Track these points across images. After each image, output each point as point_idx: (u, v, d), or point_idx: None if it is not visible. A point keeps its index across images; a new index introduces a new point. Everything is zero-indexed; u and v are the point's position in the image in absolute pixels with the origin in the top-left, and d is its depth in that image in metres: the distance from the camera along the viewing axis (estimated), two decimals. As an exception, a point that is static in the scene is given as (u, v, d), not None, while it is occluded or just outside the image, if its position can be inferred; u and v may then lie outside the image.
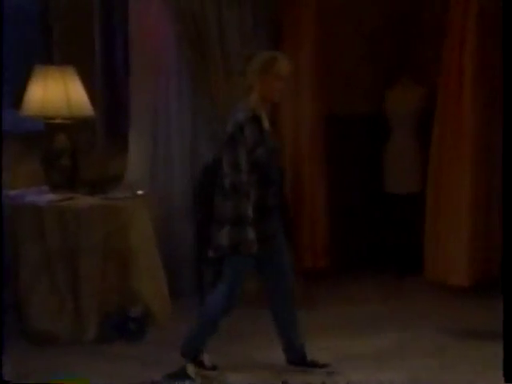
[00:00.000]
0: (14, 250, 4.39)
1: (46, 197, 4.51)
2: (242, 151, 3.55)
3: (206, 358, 3.83)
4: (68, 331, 4.35)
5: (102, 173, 4.94)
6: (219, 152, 3.71)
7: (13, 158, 4.44)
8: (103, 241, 4.44)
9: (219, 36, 5.11)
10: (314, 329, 4.27)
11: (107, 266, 4.46)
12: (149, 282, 4.60)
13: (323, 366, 3.92)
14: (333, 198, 5.61)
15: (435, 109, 5.41)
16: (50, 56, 4.96)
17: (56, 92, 4.55)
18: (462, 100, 5.25)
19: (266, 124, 3.69)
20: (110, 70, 5.32)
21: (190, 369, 3.72)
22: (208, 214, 4.96)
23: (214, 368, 3.85)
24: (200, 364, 3.79)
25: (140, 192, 4.79)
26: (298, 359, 3.93)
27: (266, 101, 3.70)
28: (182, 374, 3.72)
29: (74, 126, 4.75)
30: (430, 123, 5.48)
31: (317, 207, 5.55)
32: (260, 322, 4.23)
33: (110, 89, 5.31)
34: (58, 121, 4.67)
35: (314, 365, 3.92)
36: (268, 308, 3.91)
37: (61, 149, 4.65)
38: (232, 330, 4.16)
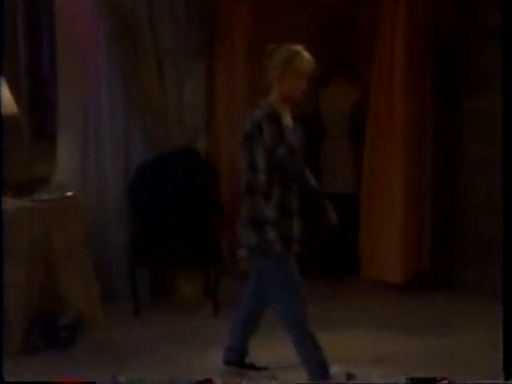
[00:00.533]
0: None
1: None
2: (259, 150, 3.44)
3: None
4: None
5: (28, 174, 4.76)
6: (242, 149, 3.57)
7: None
8: (29, 244, 4.29)
9: (150, 32, 5.00)
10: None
11: (34, 271, 4.31)
12: (79, 287, 4.46)
13: (260, 368, 3.89)
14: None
15: (368, 109, 5.43)
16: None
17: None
18: (393, 100, 5.26)
19: (288, 122, 3.48)
20: (35, 68, 5.16)
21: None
22: (143, 214, 4.96)
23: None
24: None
25: (69, 193, 4.63)
26: (237, 360, 3.90)
27: (287, 100, 3.53)
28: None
29: (-2, 125, 4.54)
30: (364, 123, 5.51)
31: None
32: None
33: (36, 88, 5.16)
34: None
35: (252, 367, 3.89)
36: (241, 305, 3.87)
37: (-16, 149, 4.45)
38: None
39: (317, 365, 3.54)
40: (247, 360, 3.92)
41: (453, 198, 5.50)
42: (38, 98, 5.14)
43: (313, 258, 5.77)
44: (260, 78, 5.26)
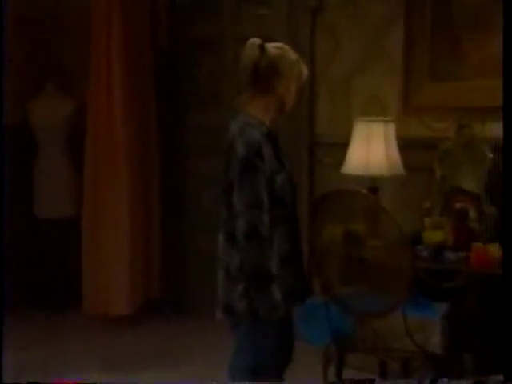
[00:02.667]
0: None
1: None
2: (261, 181, 2.65)
3: None
4: None
5: None
6: (224, 183, 2.72)
7: None
8: None
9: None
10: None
11: None
12: None
13: None
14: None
15: (87, 123, 5.02)
16: None
17: None
18: (113, 114, 4.94)
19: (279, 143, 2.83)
20: None
21: None
22: None
23: None
24: None
25: None
26: None
27: (279, 111, 2.82)
28: None
29: None
30: (83, 139, 5.08)
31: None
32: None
33: None
34: None
35: None
36: None
37: None
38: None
39: None
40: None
41: (180, 217, 5.31)
42: None
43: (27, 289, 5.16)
44: None
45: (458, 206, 3.72)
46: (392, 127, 3.96)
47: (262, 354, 2.78)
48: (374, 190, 3.87)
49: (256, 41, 2.80)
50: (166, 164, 5.20)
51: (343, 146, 3.99)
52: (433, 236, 3.67)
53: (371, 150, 3.91)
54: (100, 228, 4.99)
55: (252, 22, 4.83)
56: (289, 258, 2.75)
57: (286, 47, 2.85)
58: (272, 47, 2.81)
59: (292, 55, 2.84)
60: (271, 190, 2.69)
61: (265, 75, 2.76)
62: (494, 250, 3.42)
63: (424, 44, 4.16)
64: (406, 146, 3.99)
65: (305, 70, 2.89)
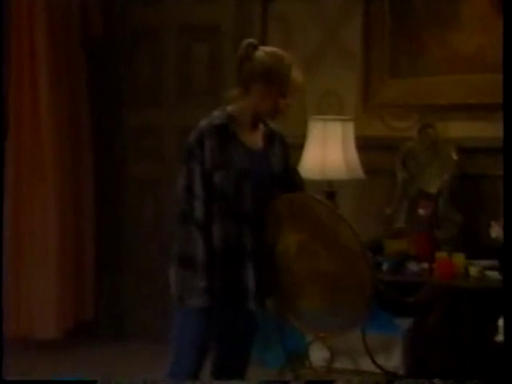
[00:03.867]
0: None
1: None
2: (197, 171, 2.93)
3: None
4: None
5: None
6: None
7: None
8: None
9: None
10: None
11: None
12: None
13: None
14: None
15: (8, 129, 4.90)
16: None
17: None
18: (38, 109, 4.85)
19: (248, 140, 2.99)
20: None
21: None
22: None
23: None
24: None
25: None
26: None
27: (256, 115, 3.00)
28: None
29: None
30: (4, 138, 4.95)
31: None
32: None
33: None
34: None
35: None
36: None
37: None
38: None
39: None
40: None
41: (117, 228, 5.25)
42: None
43: None
44: None
45: (421, 211, 3.77)
46: (350, 126, 3.99)
47: (181, 345, 2.99)
48: (330, 196, 3.89)
49: (251, 41, 2.95)
50: (101, 168, 5.14)
51: (297, 147, 3.97)
52: (394, 245, 3.71)
53: (328, 151, 3.93)
54: (23, 239, 4.91)
55: (198, 9, 4.84)
56: (229, 254, 2.96)
57: (279, 53, 2.97)
58: (261, 51, 2.95)
59: (281, 62, 2.94)
60: (209, 183, 2.91)
61: (243, 77, 2.95)
62: (460, 260, 3.48)
63: (384, 37, 4.23)
64: (365, 146, 4.02)
65: (298, 77, 2.98)
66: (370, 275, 3.01)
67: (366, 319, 3.07)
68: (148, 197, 5.14)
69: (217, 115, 2.98)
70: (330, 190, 3.96)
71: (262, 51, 2.95)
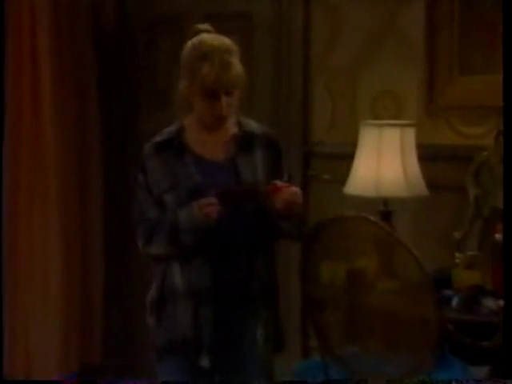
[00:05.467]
0: None
1: None
2: (145, 197, 3.05)
3: None
4: None
5: None
6: None
7: None
8: None
9: None
10: None
11: None
12: None
13: None
14: None
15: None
16: None
17: None
18: (40, 111, 4.86)
19: (206, 151, 3.03)
20: None
21: None
22: None
23: None
24: None
25: None
26: None
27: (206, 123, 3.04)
28: None
29: None
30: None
31: None
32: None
33: None
34: None
35: None
36: None
37: None
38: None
39: None
40: None
41: (131, 248, 5.04)
42: None
43: None
44: None
45: (498, 236, 3.67)
46: (411, 133, 3.96)
47: None
48: (386, 216, 3.88)
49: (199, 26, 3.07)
50: (112, 180, 5.18)
51: (346, 157, 3.97)
52: (466, 277, 3.68)
53: (383, 163, 3.90)
54: (21, 279, 4.93)
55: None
56: (206, 296, 2.99)
57: (209, 36, 3.01)
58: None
59: (191, 51, 2.99)
60: (161, 209, 2.99)
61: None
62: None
63: (453, 24, 4.19)
64: (429, 157, 3.99)
65: (205, 69, 2.91)
66: (435, 313, 2.97)
67: (432, 366, 3.02)
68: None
69: (166, 130, 3.08)
70: (386, 209, 3.93)
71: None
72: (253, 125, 3.09)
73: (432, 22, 4.22)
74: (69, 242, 4.95)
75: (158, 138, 3.04)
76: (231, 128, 3.04)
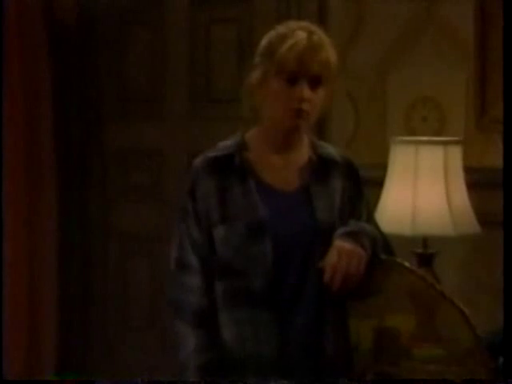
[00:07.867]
0: None
1: None
2: (191, 232, 2.98)
3: None
4: None
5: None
6: None
7: None
8: None
9: None
10: None
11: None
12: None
13: None
14: None
15: None
16: None
17: None
18: None
19: (273, 176, 2.97)
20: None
21: None
22: None
23: None
24: None
25: None
26: None
27: (276, 126, 2.96)
28: None
29: None
30: None
31: None
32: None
33: None
34: None
35: None
36: None
37: None
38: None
39: None
40: None
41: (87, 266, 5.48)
42: None
43: None
44: None
45: None
46: (457, 153, 4.00)
47: None
48: (427, 261, 3.90)
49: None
50: (70, 218, 5.30)
51: (373, 184, 3.80)
52: None
53: (422, 191, 3.95)
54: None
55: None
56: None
57: (291, 24, 2.94)
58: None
59: (289, 24, 2.92)
60: (207, 249, 2.94)
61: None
62: None
63: None
64: (480, 183, 4.04)
65: (286, 45, 2.87)
66: (491, 385, 2.99)
67: None
68: (140, 259, 5.32)
69: (223, 145, 3.01)
70: (426, 251, 3.96)
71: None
72: (329, 148, 3.05)
73: (484, 13, 4.26)
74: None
75: (212, 154, 2.96)
76: (305, 150, 2.99)
